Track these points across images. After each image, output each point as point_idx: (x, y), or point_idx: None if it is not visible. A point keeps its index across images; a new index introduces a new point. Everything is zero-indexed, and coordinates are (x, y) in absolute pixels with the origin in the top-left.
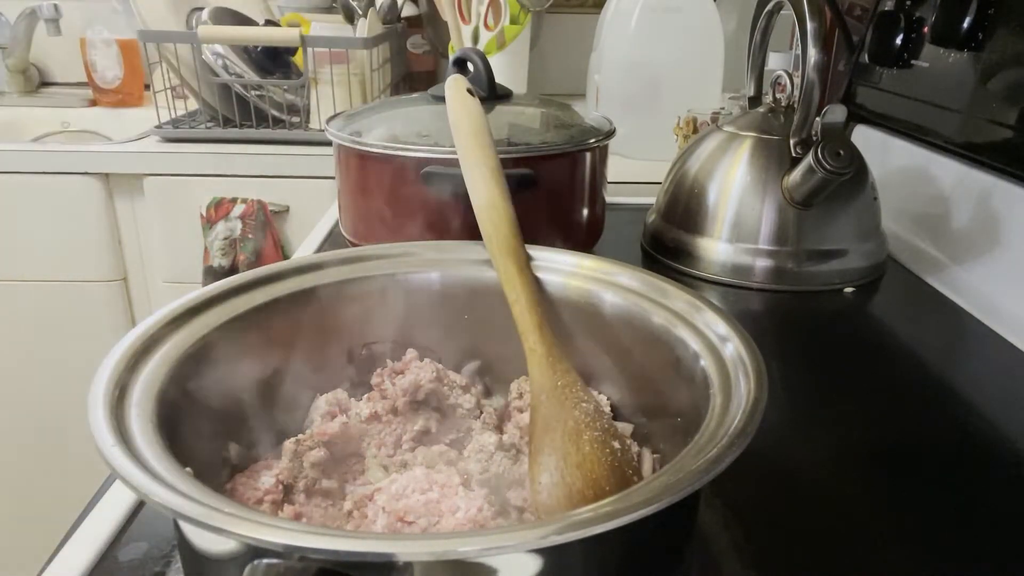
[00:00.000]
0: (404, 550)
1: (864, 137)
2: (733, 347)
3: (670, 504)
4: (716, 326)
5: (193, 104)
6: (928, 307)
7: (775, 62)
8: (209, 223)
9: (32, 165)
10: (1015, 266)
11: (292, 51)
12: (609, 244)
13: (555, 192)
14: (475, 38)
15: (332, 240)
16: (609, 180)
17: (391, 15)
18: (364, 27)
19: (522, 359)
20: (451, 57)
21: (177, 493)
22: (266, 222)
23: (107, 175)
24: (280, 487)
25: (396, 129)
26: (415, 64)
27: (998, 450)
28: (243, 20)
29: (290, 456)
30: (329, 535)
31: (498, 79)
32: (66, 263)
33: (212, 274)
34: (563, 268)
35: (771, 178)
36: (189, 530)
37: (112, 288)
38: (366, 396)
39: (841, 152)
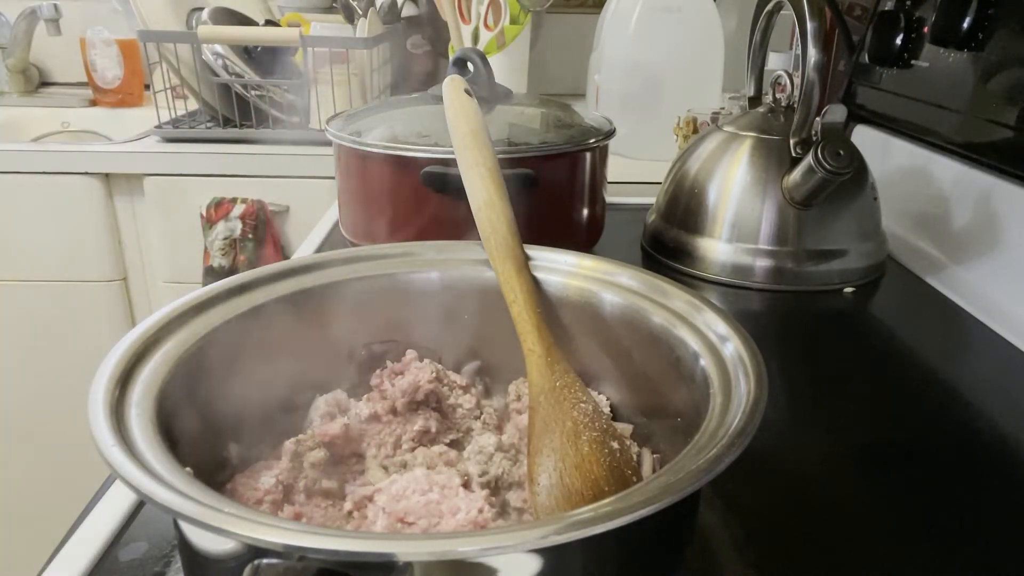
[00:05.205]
0: (404, 550)
1: (864, 137)
2: (733, 347)
3: (670, 504)
4: (716, 326)
5: (193, 104)
6: (928, 307)
7: (775, 62)
8: (209, 223)
9: (32, 165)
10: (1015, 266)
11: (292, 51)
12: (609, 244)
13: (555, 192)
14: (475, 38)
15: (332, 240)
16: (609, 180)
17: (391, 15)
18: (364, 27)
19: (523, 359)
20: (451, 57)
21: (177, 493)
22: (266, 222)
23: (107, 175)
24: (280, 487)
25: (396, 129)
26: (415, 64)
27: (998, 450)
28: (243, 20)
29: (290, 456)
30: (329, 535)
31: (498, 79)
32: (66, 263)
33: (212, 274)
34: (563, 268)
35: (771, 178)
36: (189, 530)
37: (112, 288)
38: (366, 396)
39: (841, 152)
